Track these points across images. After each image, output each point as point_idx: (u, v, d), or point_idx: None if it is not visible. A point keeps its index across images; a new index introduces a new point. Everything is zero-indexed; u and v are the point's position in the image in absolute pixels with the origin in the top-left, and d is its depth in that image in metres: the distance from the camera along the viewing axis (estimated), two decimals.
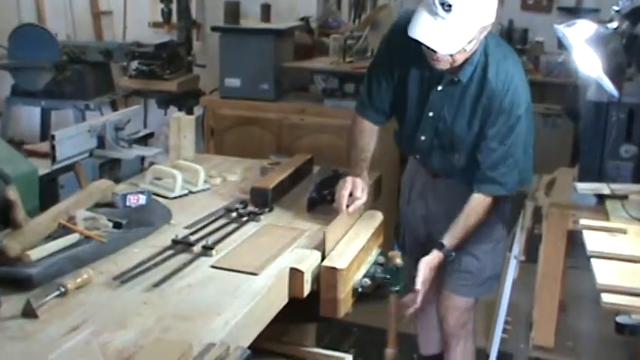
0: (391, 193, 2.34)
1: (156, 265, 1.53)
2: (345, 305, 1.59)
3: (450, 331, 2.08)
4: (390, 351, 2.24)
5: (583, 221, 1.95)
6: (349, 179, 1.83)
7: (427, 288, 1.82)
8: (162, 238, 1.68)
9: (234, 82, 3.09)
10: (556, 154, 3.54)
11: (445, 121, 1.82)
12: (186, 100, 3.65)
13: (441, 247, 1.82)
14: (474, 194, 1.82)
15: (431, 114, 1.84)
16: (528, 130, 1.79)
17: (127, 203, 1.82)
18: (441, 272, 1.99)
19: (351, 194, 1.81)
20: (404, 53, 1.80)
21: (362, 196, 1.82)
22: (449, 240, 1.83)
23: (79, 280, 1.41)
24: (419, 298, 1.79)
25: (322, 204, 1.92)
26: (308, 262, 1.58)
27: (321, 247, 1.64)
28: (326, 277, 1.56)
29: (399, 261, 1.72)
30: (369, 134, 1.94)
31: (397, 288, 1.73)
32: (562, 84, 3.75)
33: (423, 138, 1.89)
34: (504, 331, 2.47)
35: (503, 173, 1.79)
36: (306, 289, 1.56)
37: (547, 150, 3.56)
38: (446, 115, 1.81)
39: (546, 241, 2.38)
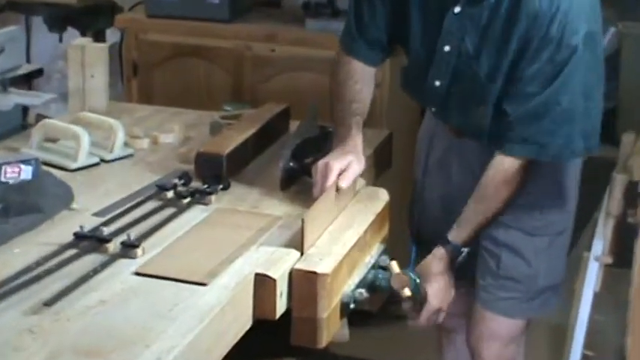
0: (408, 159, 2.34)
1: (49, 272, 1.51)
2: (328, 329, 1.60)
3: None
4: None
5: None
6: (326, 164, 1.81)
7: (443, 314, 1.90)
8: (59, 231, 1.68)
9: None
10: None
11: (468, 57, 1.84)
12: (93, 18, 3.60)
13: (446, 243, 1.87)
14: (496, 159, 1.84)
15: (447, 48, 1.85)
16: (591, 68, 1.78)
17: (2, 178, 1.79)
18: (467, 280, 2.00)
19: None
20: None
21: (349, 175, 1.82)
22: (459, 232, 1.87)
23: None
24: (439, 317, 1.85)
25: (303, 177, 1.92)
26: (282, 265, 1.58)
27: (301, 243, 1.64)
28: (301, 286, 1.57)
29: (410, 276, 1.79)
30: (362, 79, 1.97)
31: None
32: None
33: (437, 84, 1.91)
34: None
35: (547, 130, 1.78)
36: (280, 305, 1.56)
37: None
38: (469, 48, 1.83)
39: None
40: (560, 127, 1.79)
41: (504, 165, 1.83)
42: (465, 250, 1.88)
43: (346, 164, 1.82)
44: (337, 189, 1.79)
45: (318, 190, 1.80)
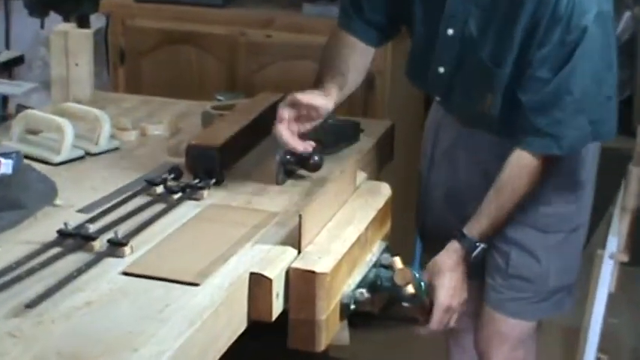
0: (411, 152, 2.35)
1: (31, 272, 1.51)
2: (327, 332, 1.59)
3: None
4: None
5: None
6: (283, 103, 1.86)
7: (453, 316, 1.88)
8: (42, 228, 1.68)
9: None
10: None
11: (472, 40, 1.84)
12: (76, 3, 3.60)
13: (461, 237, 1.86)
14: (515, 152, 1.85)
15: (450, 32, 1.87)
16: (603, 51, 1.79)
17: None
18: (476, 279, 2.00)
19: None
20: None
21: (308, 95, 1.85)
22: (475, 225, 1.87)
23: None
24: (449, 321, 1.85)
25: (300, 171, 1.93)
26: (278, 264, 1.58)
27: (298, 241, 1.64)
28: (298, 286, 1.57)
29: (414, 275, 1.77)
30: (358, 57, 1.99)
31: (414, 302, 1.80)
32: None
33: (441, 70, 1.92)
34: None
35: (557, 120, 1.80)
36: (276, 307, 1.57)
37: None
38: (473, 31, 1.84)
39: None
40: (573, 118, 1.80)
41: (524, 160, 1.83)
42: (481, 245, 1.88)
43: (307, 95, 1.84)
44: (297, 103, 1.83)
45: (277, 126, 1.84)
